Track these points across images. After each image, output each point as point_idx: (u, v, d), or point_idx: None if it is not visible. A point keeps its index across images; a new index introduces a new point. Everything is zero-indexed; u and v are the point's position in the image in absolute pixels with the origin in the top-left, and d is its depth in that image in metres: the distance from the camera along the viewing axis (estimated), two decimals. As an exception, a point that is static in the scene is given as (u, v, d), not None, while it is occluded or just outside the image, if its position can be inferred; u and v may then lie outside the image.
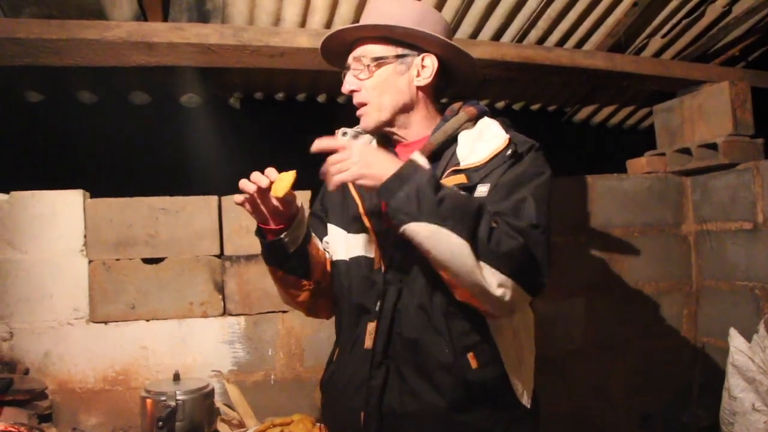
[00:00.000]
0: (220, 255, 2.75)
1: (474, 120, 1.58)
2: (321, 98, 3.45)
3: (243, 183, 1.45)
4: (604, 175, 3.27)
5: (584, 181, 3.22)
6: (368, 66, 1.53)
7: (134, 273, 2.66)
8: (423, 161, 1.36)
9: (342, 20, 2.59)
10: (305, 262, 1.60)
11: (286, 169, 1.44)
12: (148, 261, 2.68)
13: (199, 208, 2.73)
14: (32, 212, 2.59)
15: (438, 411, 1.43)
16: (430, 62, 1.55)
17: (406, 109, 1.57)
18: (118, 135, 3.28)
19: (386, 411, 1.47)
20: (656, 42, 3.11)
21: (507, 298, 1.33)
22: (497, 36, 2.88)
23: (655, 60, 3.17)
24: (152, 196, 2.70)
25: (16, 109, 3.02)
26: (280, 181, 1.41)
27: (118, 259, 2.65)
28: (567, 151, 3.66)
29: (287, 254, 1.55)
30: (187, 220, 2.71)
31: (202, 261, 2.73)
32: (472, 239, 1.29)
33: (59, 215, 2.61)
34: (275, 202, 1.48)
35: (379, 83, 1.53)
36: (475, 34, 2.84)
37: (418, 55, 1.55)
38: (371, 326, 1.50)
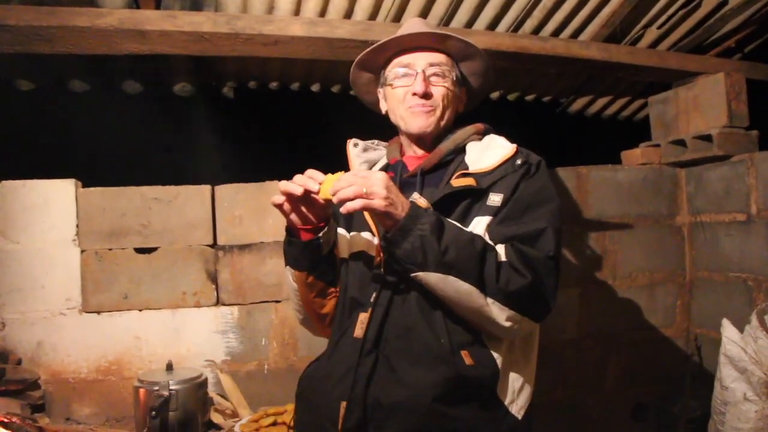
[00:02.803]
0: (213, 245, 2.74)
1: (481, 134, 1.66)
2: (315, 87, 3.42)
3: (287, 185, 1.42)
4: (599, 166, 3.27)
5: (579, 172, 3.21)
6: (450, 78, 1.61)
7: (127, 263, 2.65)
8: (424, 203, 1.42)
9: (336, 9, 2.57)
10: (333, 267, 1.60)
11: (334, 171, 1.41)
12: (140, 251, 2.67)
13: (192, 198, 2.72)
14: (24, 202, 2.57)
15: (425, 401, 1.39)
16: (465, 95, 1.71)
17: (448, 127, 1.65)
18: (110, 124, 3.27)
19: (370, 401, 1.43)
20: (652, 33, 3.09)
21: (515, 328, 1.41)
22: (492, 25, 2.86)
23: (651, 51, 3.16)
24: (145, 185, 2.69)
25: (7, 97, 2.99)
26: (329, 183, 1.38)
27: (110, 249, 2.64)
28: (562, 142, 3.66)
29: (320, 257, 1.54)
30: (180, 209, 2.70)
31: (195, 251, 2.72)
32: (479, 282, 1.35)
33: (51, 205, 2.60)
34: (321, 203, 1.45)
35: (450, 96, 1.62)
36: (470, 23, 2.82)
37: (463, 86, 1.69)
38: (363, 316, 1.49)
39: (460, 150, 1.62)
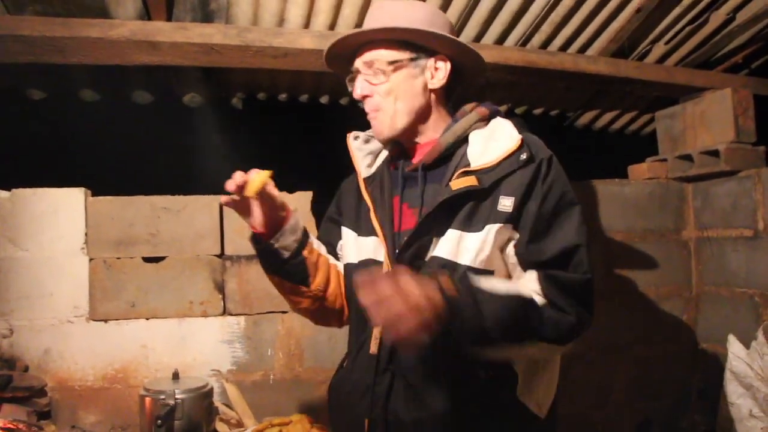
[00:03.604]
0: (221, 255, 2.75)
1: (486, 120, 1.56)
2: (324, 99, 3.44)
3: (227, 183, 1.44)
4: (606, 180, 3.28)
5: (586, 186, 3.22)
6: (383, 70, 1.49)
7: (135, 271, 2.66)
8: (451, 288, 1.26)
9: (345, 22, 2.59)
10: (302, 269, 1.57)
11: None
12: (148, 260, 2.68)
13: (200, 208, 2.73)
14: (34, 210, 2.59)
15: (445, 418, 1.40)
16: (443, 64, 1.53)
17: (421, 112, 1.54)
18: (120, 134, 3.29)
19: (391, 418, 1.44)
20: (659, 48, 3.11)
21: (566, 351, 1.45)
22: (501, 40, 2.88)
23: (659, 66, 3.17)
24: (154, 195, 2.71)
25: (19, 106, 3.02)
26: (252, 182, 1.41)
27: (118, 258, 2.65)
28: (568, 156, 3.65)
29: (281, 260, 1.54)
30: (188, 219, 2.72)
31: (203, 260, 2.73)
32: (530, 339, 1.35)
33: (60, 213, 2.61)
34: (253, 205, 1.48)
35: (394, 88, 1.50)
36: (478, 38, 2.84)
37: (431, 57, 1.52)
38: (377, 331, 1.48)
39: (463, 140, 1.53)
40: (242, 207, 1.50)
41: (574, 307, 1.37)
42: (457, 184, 1.43)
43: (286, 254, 1.53)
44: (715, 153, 3.09)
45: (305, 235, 1.59)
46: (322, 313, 1.68)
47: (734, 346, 2.56)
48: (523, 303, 1.34)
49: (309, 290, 1.60)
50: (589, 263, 1.43)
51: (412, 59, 1.50)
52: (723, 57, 3.24)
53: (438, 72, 1.53)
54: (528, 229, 1.42)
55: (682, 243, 3.35)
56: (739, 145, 3.06)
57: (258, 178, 1.41)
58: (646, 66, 3.13)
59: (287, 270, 1.56)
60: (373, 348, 1.48)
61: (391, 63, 1.49)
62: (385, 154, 1.68)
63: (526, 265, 1.42)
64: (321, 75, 2.98)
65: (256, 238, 1.56)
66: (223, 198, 1.48)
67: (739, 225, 3.05)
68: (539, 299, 1.36)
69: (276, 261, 1.54)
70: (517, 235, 1.43)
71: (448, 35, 1.50)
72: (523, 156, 1.44)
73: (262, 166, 1.48)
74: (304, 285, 1.59)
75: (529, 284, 1.40)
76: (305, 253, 1.57)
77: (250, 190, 1.40)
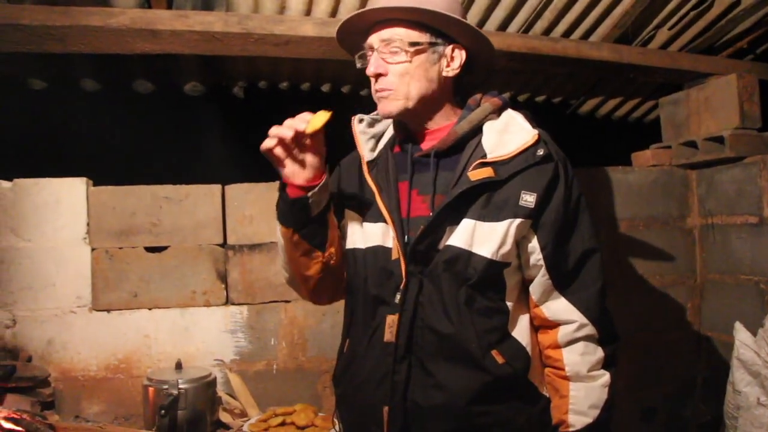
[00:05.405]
0: (223, 244, 2.75)
1: (498, 111, 1.55)
2: (325, 88, 3.43)
3: (277, 129, 1.38)
4: (609, 167, 3.26)
5: (589, 174, 3.20)
6: (405, 50, 1.46)
7: (137, 261, 2.66)
8: None
9: (347, 9, 2.57)
10: (323, 231, 1.52)
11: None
12: (150, 249, 2.68)
13: (202, 197, 2.73)
14: (35, 200, 2.59)
15: (462, 403, 1.41)
16: (459, 53, 1.52)
17: (432, 99, 1.52)
18: (121, 123, 3.28)
19: (410, 405, 1.44)
20: (663, 34, 3.08)
21: None
22: (503, 26, 2.86)
23: (662, 52, 3.14)
24: (155, 184, 2.70)
25: (19, 96, 3.01)
26: (314, 119, 1.38)
27: (120, 248, 2.65)
28: (571, 144, 3.64)
29: (308, 217, 1.47)
30: (190, 208, 2.71)
31: (205, 250, 2.72)
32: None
33: (62, 203, 2.61)
34: (294, 151, 1.41)
35: (411, 70, 1.47)
36: (481, 24, 2.82)
37: (448, 44, 1.50)
38: (391, 319, 1.45)
39: (477, 130, 1.52)
40: (281, 152, 1.42)
41: (598, 329, 1.50)
42: (476, 174, 1.43)
43: (315, 211, 1.47)
44: (719, 139, 3.07)
45: (331, 196, 1.54)
46: (322, 284, 1.62)
47: (741, 334, 2.54)
48: (609, 406, 1.50)
49: (323, 255, 1.55)
50: (602, 270, 1.54)
51: (431, 44, 1.49)
52: (728, 42, 3.21)
53: (453, 61, 1.52)
54: (555, 231, 1.46)
55: (686, 230, 3.33)
56: (744, 131, 3.03)
57: (321, 117, 1.38)
58: (649, 52, 3.10)
59: (311, 229, 1.50)
60: (389, 336, 1.45)
61: (412, 44, 1.47)
62: (387, 138, 1.65)
63: (550, 267, 1.47)
64: (322, 63, 2.96)
65: (284, 189, 1.48)
66: (267, 143, 1.40)
67: (744, 212, 3.03)
68: (589, 329, 1.49)
69: (303, 216, 1.47)
70: (532, 234, 1.46)
71: (471, 24, 1.50)
72: (540, 152, 1.45)
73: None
74: (319, 249, 1.53)
75: (567, 315, 1.50)
76: (329, 215, 1.53)
77: (311, 127, 1.37)
